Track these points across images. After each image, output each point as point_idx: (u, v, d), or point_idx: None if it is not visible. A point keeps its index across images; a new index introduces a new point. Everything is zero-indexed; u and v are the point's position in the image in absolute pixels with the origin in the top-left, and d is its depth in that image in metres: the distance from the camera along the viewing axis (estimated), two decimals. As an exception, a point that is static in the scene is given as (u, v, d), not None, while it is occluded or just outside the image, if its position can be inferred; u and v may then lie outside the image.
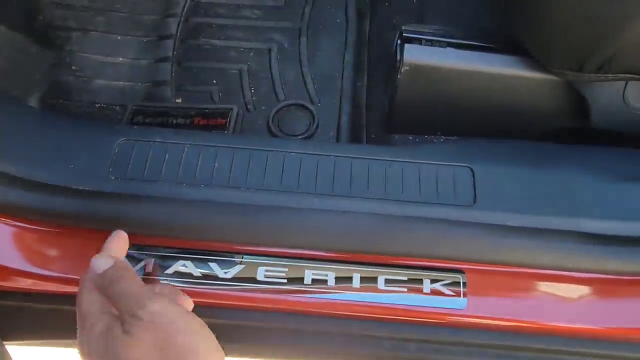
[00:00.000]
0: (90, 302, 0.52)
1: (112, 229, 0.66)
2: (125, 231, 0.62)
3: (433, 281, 0.66)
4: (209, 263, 0.66)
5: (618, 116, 0.74)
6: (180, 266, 0.66)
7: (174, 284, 0.65)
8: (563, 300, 0.65)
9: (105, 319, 0.50)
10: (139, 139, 0.69)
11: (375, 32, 1.03)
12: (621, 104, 0.72)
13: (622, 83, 0.70)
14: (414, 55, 0.74)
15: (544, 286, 0.66)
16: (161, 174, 0.66)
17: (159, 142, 0.69)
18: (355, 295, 0.66)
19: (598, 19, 0.60)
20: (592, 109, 0.74)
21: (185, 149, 0.68)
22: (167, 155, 0.68)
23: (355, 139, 0.92)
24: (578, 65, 0.67)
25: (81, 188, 0.65)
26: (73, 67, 1.02)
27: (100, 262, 0.54)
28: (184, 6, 1.11)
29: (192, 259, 0.66)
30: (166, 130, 0.71)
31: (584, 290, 0.65)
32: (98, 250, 0.65)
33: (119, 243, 0.59)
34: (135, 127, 0.79)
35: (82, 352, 0.51)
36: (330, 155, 0.69)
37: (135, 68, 1.04)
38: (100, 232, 0.66)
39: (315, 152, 0.69)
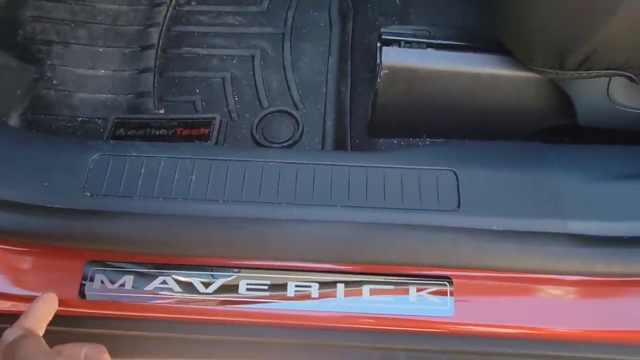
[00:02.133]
0: None
1: (89, 246, 0.65)
2: (101, 248, 0.61)
3: (419, 289, 0.64)
4: (190, 278, 0.65)
5: (604, 113, 0.73)
6: (160, 283, 0.65)
7: (154, 300, 0.64)
8: (552, 304, 0.64)
9: None
10: (114, 153, 0.68)
11: (358, 35, 1.02)
12: (606, 101, 0.71)
13: (606, 79, 0.68)
14: (393, 58, 0.72)
15: (532, 290, 0.64)
16: (137, 189, 0.65)
17: (134, 156, 0.68)
18: (340, 306, 0.64)
19: (577, 15, 0.59)
20: (576, 106, 0.72)
21: (162, 162, 0.67)
22: (142, 170, 0.66)
23: (340, 144, 0.90)
24: (559, 63, 0.65)
25: (56, 206, 0.64)
26: (54, 82, 1.01)
27: (10, 333, 0.55)
28: (166, 15, 1.10)
29: (172, 274, 0.65)
30: (142, 144, 0.69)
31: (572, 293, 0.63)
32: (75, 269, 0.64)
33: (43, 307, 0.59)
34: (111, 141, 0.78)
35: None
36: (310, 164, 0.67)
37: (117, 80, 1.02)
38: (77, 250, 0.66)
39: (294, 161, 0.67)
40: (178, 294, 0.64)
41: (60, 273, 0.66)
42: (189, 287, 0.64)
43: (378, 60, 0.74)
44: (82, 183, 0.65)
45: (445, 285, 0.64)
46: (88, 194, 0.65)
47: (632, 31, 0.59)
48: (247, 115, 0.96)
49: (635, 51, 0.62)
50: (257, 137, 0.93)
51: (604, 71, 0.65)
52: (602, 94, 0.70)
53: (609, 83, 0.69)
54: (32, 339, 0.55)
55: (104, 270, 0.65)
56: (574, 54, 0.63)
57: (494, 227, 0.63)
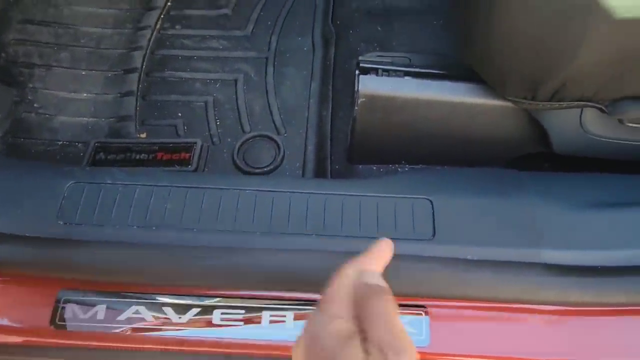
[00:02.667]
0: (339, 305, 0.45)
1: (61, 275, 0.65)
2: (73, 277, 0.60)
3: (394, 318, 0.64)
4: (163, 307, 0.64)
5: (577, 142, 0.73)
6: (133, 312, 0.64)
7: (127, 330, 0.63)
8: (528, 334, 0.63)
9: (348, 328, 0.43)
10: (89, 181, 0.67)
11: (340, 60, 1.02)
12: (579, 130, 0.71)
13: (578, 110, 0.69)
14: (370, 86, 0.73)
15: (508, 320, 0.64)
16: (111, 217, 0.65)
17: (109, 184, 0.67)
18: (315, 336, 0.63)
19: (546, 49, 0.59)
20: (551, 136, 0.73)
21: (137, 190, 0.67)
22: (117, 198, 0.66)
23: (320, 169, 0.90)
24: (532, 94, 0.66)
25: (27, 235, 0.63)
26: (35, 105, 1.01)
27: (373, 275, 0.47)
28: (150, 39, 1.11)
29: (144, 304, 0.64)
30: (117, 171, 0.69)
31: (548, 323, 0.63)
32: (47, 298, 0.63)
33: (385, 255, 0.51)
34: (87, 168, 0.78)
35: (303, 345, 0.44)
36: (286, 192, 0.67)
37: (99, 103, 1.02)
38: (49, 278, 0.65)
39: (270, 189, 0.67)
40: (151, 323, 0.64)
41: (32, 302, 0.65)
42: (162, 317, 0.64)
43: (356, 88, 0.74)
44: (55, 211, 0.65)
45: (421, 314, 0.64)
46: (61, 222, 0.64)
47: (599, 65, 0.59)
48: (229, 140, 0.96)
49: (603, 84, 0.63)
50: (238, 161, 0.93)
51: (575, 102, 0.65)
52: (575, 123, 0.70)
53: (581, 113, 0.70)
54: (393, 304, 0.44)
55: (76, 299, 0.64)
56: (545, 86, 0.64)
57: (469, 257, 0.63)
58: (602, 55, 0.58)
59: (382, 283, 0.47)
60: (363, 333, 0.43)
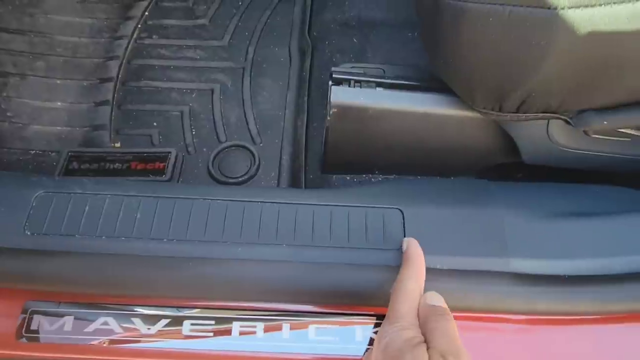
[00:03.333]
0: (408, 320, 0.54)
1: (27, 287, 0.64)
2: (40, 289, 0.59)
3: (365, 329, 0.64)
4: (132, 318, 0.64)
5: (545, 153, 0.74)
6: (101, 323, 0.63)
7: (95, 342, 0.62)
8: (497, 343, 0.64)
9: (417, 336, 0.52)
10: (58, 191, 0.66)
11: (316, 71, 1.03)
12: (547, 141, 0.72)
13: (545, 121, 0.70)
14: (341, 97, 0.73)
15: (478, 330, 0.64)
16: (80, 228, 0.64)
17: (78, 193, 0.67)
18: (286, 347, 0.63)
19: (510, 61, 0.61)
20: (519, 146, 0.74)
21: (107, 200, 0.66)
22: (86, 208, 0.65)
23: (295, 179, 0.90)
24: (498, 106, 0.67)
25: (-6, 245, 0.62)
26: (8, 114, 1.00)
27: (434, 297, 0.57)
28: (127, 48, 1.10)
29: (113, 315, 0.63)
30: (87, 181, 0.68)
31: (517, 332, 0.64)
32: (13, 310, 0.62)
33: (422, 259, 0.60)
34: (57, 178, 0.77)
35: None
36: (257, 202, 0.67)
37: (73, 112, 1.02)
38: (14, 290, 0.64)
39: (241, 199, 0.67)
40: (119, 335, 0.63)
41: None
42: (130, 328, 0.63)
43: (328, 99, 0.75)
44: (23, 221, 0.64)
45: (391, 324, 0.64)
46: (28, 233, 0.63)
47: (563, 77, 0.61)
48: (204, 150, 0.96)
49: (568, 96, 0.64)
50: (213, 171, 0.93)
51: (541, 114, 0.66)
52: (543, 134, 0.72)
53: (548, 124, 0.71)
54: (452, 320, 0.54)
55: (43, 311, 0.63)
56: (510, 98, 0.65)
57: (438, 266, 0.63)
58: (565, 67, 0.59)
59: (443, 304, 0.56)
60: (428, 343, 0.51)
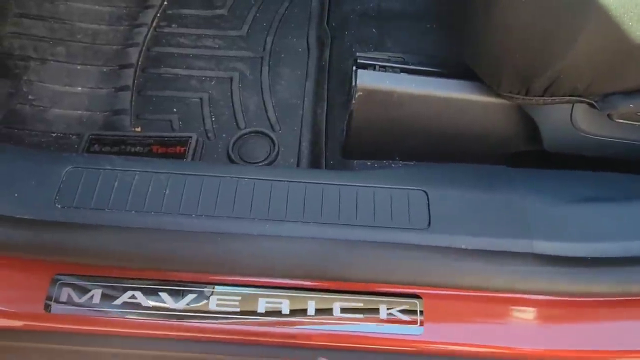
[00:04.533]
0: None
1: (56, 259, 0.64)
2: (69, 261, 0.60)
3: (389, 307, 0.65)
4: (159, 293, 0.64)
5: (568, 139, 0.75)
6: (129, 297, 0.64)
7: (123, 315, 0.63)
8: (519, 323, 0.65)
9: None
10: (87, 166, 0.67)
11: (335, 61, 1.04)
12: (570, 127, 0.73)
13: (569, 106, 0.71)
14: (367, 80, 0.74)
15: (500, 309, 0.65)
16: (109, 202, 0.65)
17: (108, 169, 0.67)
18: (310, 324, 0.64)
19: (540, 43, 0.62)
20: (542, 132, 0.75)
21: (136, 176, 0.67)
22: (116, 183, 0.66)
23: (315, 165, 0.91)
24: (525, 89, 0.68)
25: (25, 217, 0.63)
26: (30, 97, 1.01)
27: None
28: (146, 36, 1.11)
29: (141, 289, 0.64)
30: (116, 158, 0.70)
31: (538, 312, 0.65)
32: (42, 281, 0.62)
33: None
34: (85, 154, 0.78)
35: None
36: (284, 181, 0.68)
37: (94, 97, 1.03)
38: (44, 262, 0.65)
39: (268, 178, 0.68)
40: (147, 309, 0.63)
41: (26, 286, 0.64)
42: (158, 302, 0.64)
43: (353, 83, 0.76)
44: (53, 195, 0.65)
45: (415, 303, 0.65)
46: (59, 206, 0.64)
47: (593, 59, 0.62)
48: (224, 136, 0.97)
49: (595, 78, 0.65)
50: (232, 156, 0.93)
51: (567, 97, 0.67)
52: (566, 120, 0.73)
53: (572, 110, 0.72)
54: None
55: (72, 283, 0.64)
56: (538, 81, 0.66)
57: (463, 246, 0.64)
58: (595, 49, 0.60)
59: None
60: None
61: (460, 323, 0.65)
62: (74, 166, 0.68)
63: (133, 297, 0.64)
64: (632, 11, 0.55)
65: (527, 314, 0.65)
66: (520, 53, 0.64)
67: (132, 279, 0.64)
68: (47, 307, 0.63)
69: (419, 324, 0.64)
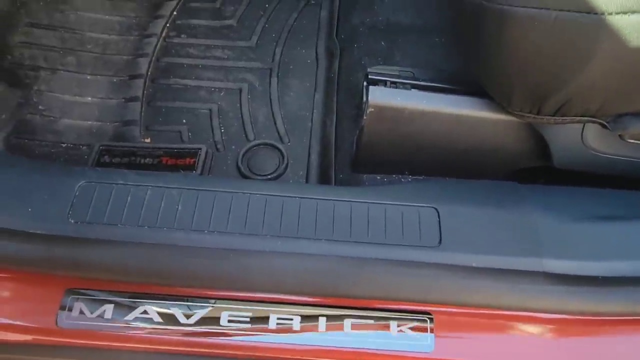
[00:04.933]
0: None
1: (68, 274, 0.65)
2: (81, 276, 0.60)
3: (400, 324, 0.65)
4: (171, 308, 0.64)
5: (578, 157, 0.76)
6: (141, 312, 0.64)
7: (134, 331, 0.63)
8: (528, 342, 0.65)
9: None
10: (100, 181, 0.68)
11: (344, 73, 1.04)
12: (580, 145, 0.74)
13: (580, 125, 0.72)
14: (379, 97, 0.75)
15: (510, 328, 0.65)
16: (122, 217, 0.65)
17: (121, 184, 0.68)
18: (321, 340, 0.64)
19: (553, 63, 0.62)
20: (552, 149, 0.75)
21: (148, 192, 0.67)
22: (129, 198, 0.67)
23: (324, 178, 0.92)
24: (537, 109, 0.68)
25: (39, 232, 0.63)
26: (40, 107, 1.01)
27: None
28: (156, 46, 1.12)
29: (153, 304, 0.64)
30: (128, 172, 0.70)
31: (548, 331, 0.65)
32: (54, 296, 0.63)
33: None
34: (98, 169, 0.78)
35: None
36: (295, 197, 0.68)
37: (103, 108, 1.03)
38: (56, 276, 0.65)
39: (280, 194, 0.68)
40: (158, 324, 0.64)
41: (38, 300, 0.65)
42: (169, 318, 0.64)
43: (364, 99, 0.76)
44: (66, 209, 0.65)
45: (426, 321, 0.65)
46: (72, 221, 0.65)
47: (605, 81, 0.62)
48: (233, 147, 0.98)
49: (608, 100, 0.65)
50: (242, 168, 0.94)
51: (578, 117, 0.68)
52: (577, 138, 0.73)
53: (583, 128, 0.72)
54: None
55: (83, 298, 0.64)
56: (549, 101, 0.66)
57: (474, 264, 0.64)
58: (607, 73, 0.60)
59: None
60: None
61: (471, 341, 0.65)
62: (87, 181, 0.68)
63: (145, 312, 0.64)
64: (646, 33, 0.56)
65: (537, 332, 0.65)
66: (531, 73, 0.64)
67: (144, 294, 0.64)
68: (58, 322, 0.63)
69: (429, 341, 0.64)
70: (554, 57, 0.60)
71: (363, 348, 0.64)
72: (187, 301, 0.65)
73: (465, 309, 0.65)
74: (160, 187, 0.68)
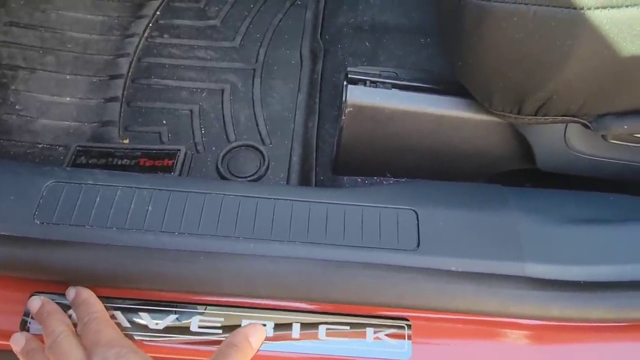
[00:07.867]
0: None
1: (34, 276, 0.63)
2: (47, 279, 0.58)
3: (376, 331, 0.63)
4: (139, 312, 0.62)
5: (561, 158, 0.74)
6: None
7: (101, 336, 0.61)
8: (510, 348, 0.63)
9: None
10: (69, 181, 0.66)
11: (328, 74, 1.03)
12: (563, 146, 0.72)
13: (563, 126, 0.70)
14: (357, 96, 0.73)
15: (491, 334, 0.63)
16: (90, 218, 0.63)
17: (90, 184, 0.66)
18: (295, 347, 0.62)
19: (532, 62, 0.60)
20: (535, 151, 0.74)
21: (118, 192, 0.65)
22: (97, 199, 0.64)
23: (305, 180, 0.90)
24: (517, 108, 0.67)
25: (2, 233, 0.61)
26: (17, 107, 0.99)
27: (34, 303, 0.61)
28: (137, 46, 1.10)
29: (120, 309, 0.62)
30: (99, 172, 0.68)
31: (530, 337, 0.63)
32: (18, 301, 0.61)
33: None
34: (68, 168, 0.76)
35: None
36: (270, 199, 0.66)
37: (82, 108, 1.01)
38: (21, 280, 0.63)
39: (254, 195, 0.66)
40: (126, 330, 0.61)
41: (2, 304, 0.62)
42: (137, 322, 0.62)
43: (343, 98, 0.74)
44: (32, 210, 0.63)
45: (403, 327, 0.63)
46: (38, 222, 0.62)
47: (585, 80, 0.60)
48: (214, 149, 0.96)
49: (589, 99, 0.64)
50: (222, 170, 0.92)
51: (560, 117, 0.66)
52: (560, 140, 0.71)
53: (565, 129, 0.71)
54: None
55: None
56: (530, 100, 0.65)
57: (453, 268, 0.62)
58: (588, 69, 0.59)
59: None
60: None
61: (449, 347, 0.63)
62: (55, 180, 0.66)
63: (112, 316, 0.62)
64: (625, 31, 0.54)
65: (519, 338, 0.63)
66: (511, 72, 0.62)
67: (112, 297, 0.62)
68: (23, 326, 0.61)
69: (406, 348, 0.62)
70: (533, 54, 0.59)
71: (338, 356, 0.62)
72: (157, 305, 0.63)
73: (443, 314, 0.63)
74: (131, 187, 0.66)
